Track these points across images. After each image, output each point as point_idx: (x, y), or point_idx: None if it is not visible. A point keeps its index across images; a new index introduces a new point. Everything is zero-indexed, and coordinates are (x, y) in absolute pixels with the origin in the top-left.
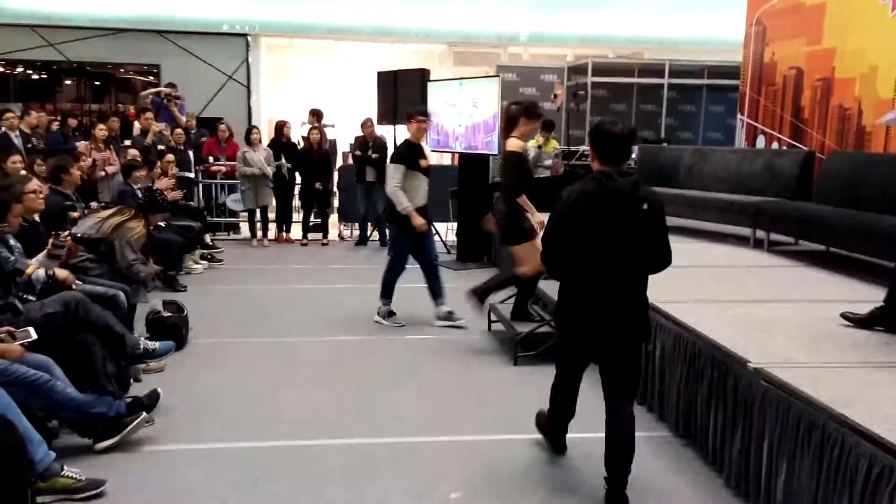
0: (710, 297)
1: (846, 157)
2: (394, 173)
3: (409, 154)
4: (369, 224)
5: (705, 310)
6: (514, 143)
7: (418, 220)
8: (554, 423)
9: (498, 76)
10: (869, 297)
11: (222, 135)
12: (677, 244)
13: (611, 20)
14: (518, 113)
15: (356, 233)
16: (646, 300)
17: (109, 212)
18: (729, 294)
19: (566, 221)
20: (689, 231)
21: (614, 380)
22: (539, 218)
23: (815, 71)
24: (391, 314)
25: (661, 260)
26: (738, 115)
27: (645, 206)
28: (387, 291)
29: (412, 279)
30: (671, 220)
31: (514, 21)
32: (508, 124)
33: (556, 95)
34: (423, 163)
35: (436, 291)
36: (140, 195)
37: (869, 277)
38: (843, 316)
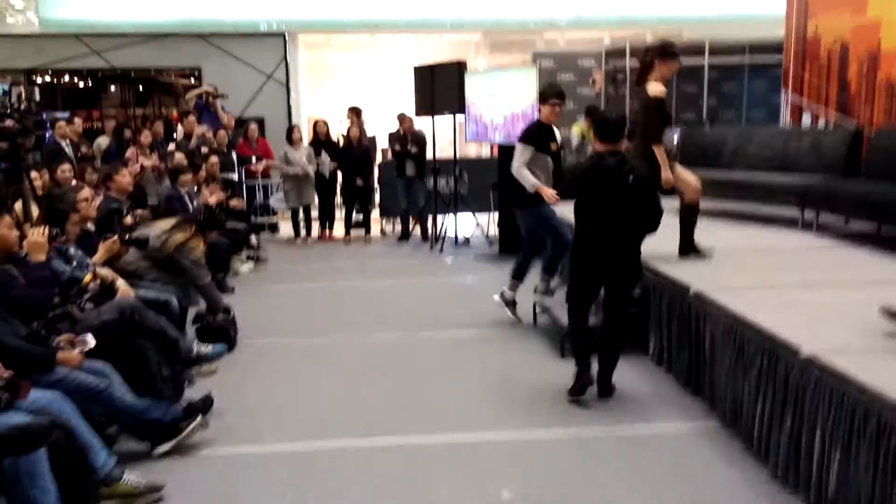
0: (759, 283)
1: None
2: (521, 153)
3: (540, 135)
4: (411, 218)
5: (755, 296)
6: (654, 88)
7: (548, 192)
8: (579, 359)
9: (535, 64)
10: None
11: (252, 134)
12: (724, 229)
13: (647, 0)
14: (652, 56)
15: (398, 228)
16: (637, 249)
17: (170, 224)
18: (779, 279)
19: (570, 190)
20: (736, 215)
21: (612, 305)
22: (668, 176)
23: (860, 44)
24: (549, 292)
25: (652, 221)
26: (783, 92)
27: (630, 179)
28: (550, 271)
29: (453, 273)
30: (717, 205)
31: (549, 6)
32: (643, 72)
33: (594, 81)
34: (553, 146)
35: (520, 273)
36: (187, 200)
37: None
38: (886, 311)
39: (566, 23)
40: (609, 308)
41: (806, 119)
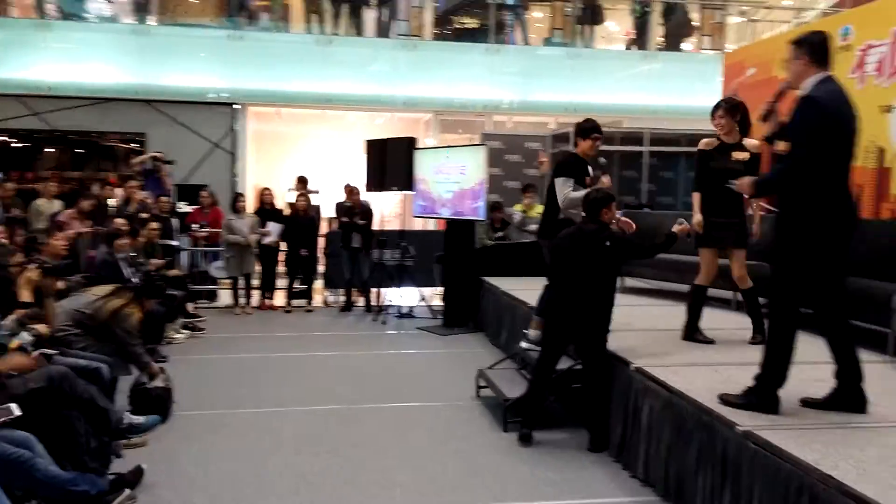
0: (696, 361)
1: None
2: (563, 185)
3: (577, 167)
4: (354, 290)
5: (693, 373)
6: (702, 142)
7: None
8: (531, 401)
9: (484, 145)
10: None
11: (205, 201)
12: (663, 308)
13: (591, 90)
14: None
15: (341, 299)
16: (606, 310)
17: (106, 290)
18: (715, 357)
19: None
20: (674, 294)
21: (585, 356)
22: (697, 219)
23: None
24: None
25: (643, 253)
26: None
27: (608, 244)
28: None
29: (396, 345)
30: (657, 284)
31: (498, 90)
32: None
33: (540, 163)
34: (588, 180)
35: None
36: (123, 266)
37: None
38: (803, 402)
39: (513, 106)
40: (583, 359)
41: None
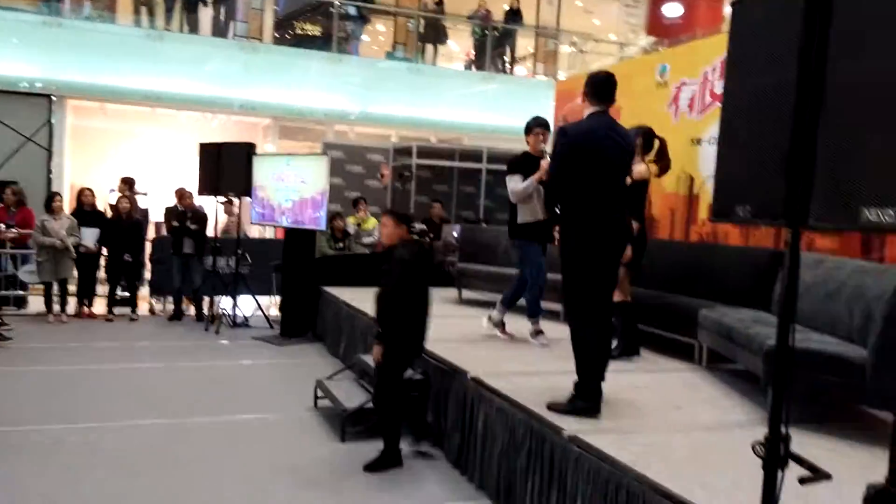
0: (527, 370)
1: None
2: (510, 181)
3: (526, 164)
4: (185, 298)
5: (524, 381)
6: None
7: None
8: (394, 432)
9: (326, 155)
10: (662, 366)
11: (9, 199)
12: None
13: (433, 106)
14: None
15: (170, 307)
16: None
17: None
18: (544, 366)
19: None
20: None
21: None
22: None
23: None
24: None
25: None
26: None
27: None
28: (507, 303)
29: (229, 356)
30: (493, 297)
31: (341, 100)
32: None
33: (382, 175)
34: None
35: (533, 309)
36: None
37: (660, 348)
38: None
39: (355, 117)
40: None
41: None
